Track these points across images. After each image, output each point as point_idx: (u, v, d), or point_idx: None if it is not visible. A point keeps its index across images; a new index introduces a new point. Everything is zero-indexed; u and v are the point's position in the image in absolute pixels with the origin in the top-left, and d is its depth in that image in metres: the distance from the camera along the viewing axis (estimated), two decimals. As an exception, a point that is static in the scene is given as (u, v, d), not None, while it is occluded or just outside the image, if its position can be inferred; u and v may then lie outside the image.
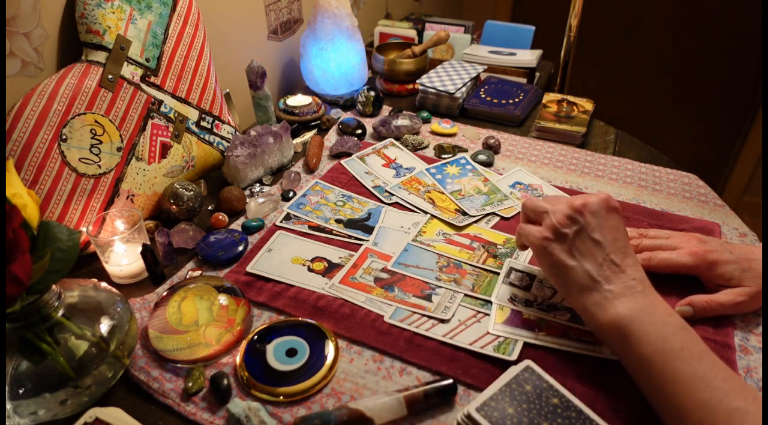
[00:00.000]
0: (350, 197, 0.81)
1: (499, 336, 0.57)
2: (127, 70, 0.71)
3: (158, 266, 0.66)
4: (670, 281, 0.62)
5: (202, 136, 0.82)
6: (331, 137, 0.98)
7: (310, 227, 0.74)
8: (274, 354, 0.55)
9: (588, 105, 1.04)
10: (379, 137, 0.98)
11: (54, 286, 0.49)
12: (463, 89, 1.07)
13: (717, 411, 0.43)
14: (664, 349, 0.46)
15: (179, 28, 0.77)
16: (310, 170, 0.89)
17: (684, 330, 0.48)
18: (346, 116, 1.06)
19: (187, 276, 0.67)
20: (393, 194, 0.81)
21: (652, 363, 0.47)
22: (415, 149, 0.94)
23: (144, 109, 0.73)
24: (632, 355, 0.49)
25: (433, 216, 0.76)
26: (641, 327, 0.48)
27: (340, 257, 0.69)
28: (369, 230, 0.74)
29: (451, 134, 0.99)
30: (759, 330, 0.58)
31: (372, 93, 1.05)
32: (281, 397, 0.52)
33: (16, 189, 0.46)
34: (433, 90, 1.06)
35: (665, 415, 0.47)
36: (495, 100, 1.08)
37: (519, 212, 0.77)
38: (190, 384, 0.53)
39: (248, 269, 0.67)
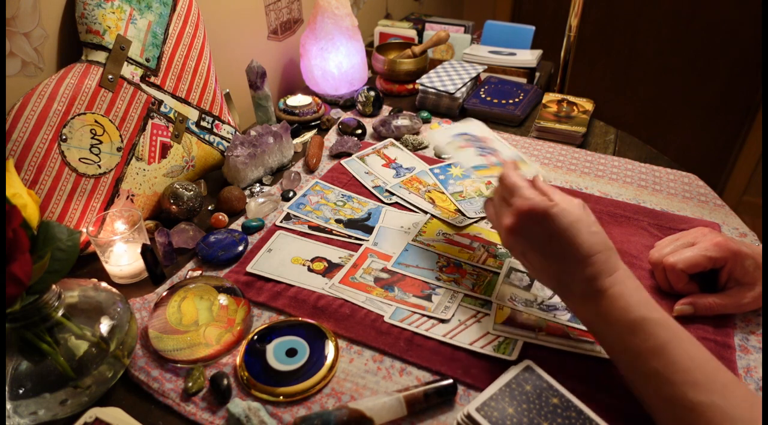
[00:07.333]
0: (350, 197, 0.81)
1: (499, 336, 0.57)
2: (127, 70, 0.71)
3: (158, 266, 0.66)
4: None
5: (202, 136, 0.82)
6: (331, 137, 0.98)
7: (310, 227, 0.74)
8: (274, 354, 0.55)
9: (588, 105, 1.04)
10: (379, 137, 0.98)
11: (54, 286, 0.49)
12: (463, 89, 1.07)
13: (680, 407, 0.44)
14: (624, 349, 0.48)
15: (179, 28, 0.77)
16: (310, 170, 0.89)
17: (641, 326, 0.47)
18: (346, 116, 1.06)
19: (187, 276, 0.67)
20: (393, 194, 0.81)
21: (618, 363, 0.50)
22: (415, 149, 0.94)
23: (144, 109, 0.73)
24: (606, 351, 0.51)
25: (433, 216, 0.76)
26: (602, 329, 0.50)
27: (340, 257, 0.69)
28: (369, 230, 0.74)
29: (451, 134, 0.99)
30: (759, 330, 0.58)
31: (372, 93, 1.05)
32: (281, 397, 0.52)
33: (16, 189, 0.46)
34: (433, 90, 1.06)
35: (647, 408, 0.49)
36: (495, 100, 1.08)
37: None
38: (190, 384, 0.53)
39: (248, 269, 0.67)
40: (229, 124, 0.87)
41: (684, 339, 0.46)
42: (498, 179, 0.57)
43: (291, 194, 0.81)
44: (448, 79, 1.08)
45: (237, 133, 0.88)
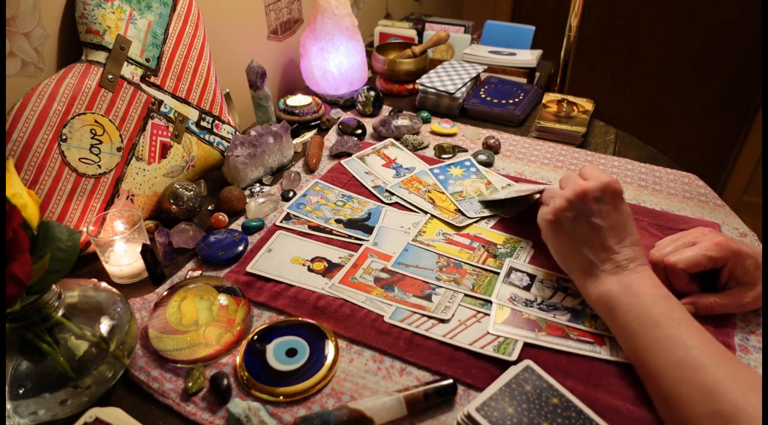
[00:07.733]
0: (350, 197, 0.81)
1: (499, 336, 0.57)
2: (127, 70, 0.71)
3: (158, 266, 0.66)
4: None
5: (202, 136, 0.82)
6: (331, 137, 0.98)
7: (310, 227, 0.74)
8: (274, 354, 0.55)
9: (588, 105, 1.04)
10: (379, 137, 0.98)
11: (54, 286, 0.49)
12: (463, 89, 1.07)
13: (689, 369, 0.47)
14: (645, 317, 0.52)
15: (179, 28, 0.77)
16: (310, 170, 0.89)
17: (666, 300, 0.53)
18: (346, 116, 1.06)
19: (187, 276, 0.67)
20: (393, 194, 0.81)
21: (634, 331, 0.52)
22: (415, 149, 0.94)
23: (144, 109, 0.73)
24: (618, 324, 0.54)
25: (433, 216, 0.76)
26: (626, 299, 0.54)
27: (340, 257, 0.69)
28: (369, 230, 0.74)
29: (451, 134, 0.99)
30: (759, 330, 0.58)
31: (372, 93, 1.05)
32: (281, 397, 0.52)
33: (16, 189, 0.46)
34: (433, 90, 1.06)
35: (646, 380, 0.51)
36: (495, 100, 1.08)
37: (519, 212, 0.77)
38: (190, 384, 0.53)
39: (248, 269, 0.67)
40: (229, 124, 0.87)
41: (695, 320, 0.52)
42: (581, 168, 0.62)
43: (291, 194, 0.81)
44: (448, 79, 1.08)
45: (237, 133, 0.88)
